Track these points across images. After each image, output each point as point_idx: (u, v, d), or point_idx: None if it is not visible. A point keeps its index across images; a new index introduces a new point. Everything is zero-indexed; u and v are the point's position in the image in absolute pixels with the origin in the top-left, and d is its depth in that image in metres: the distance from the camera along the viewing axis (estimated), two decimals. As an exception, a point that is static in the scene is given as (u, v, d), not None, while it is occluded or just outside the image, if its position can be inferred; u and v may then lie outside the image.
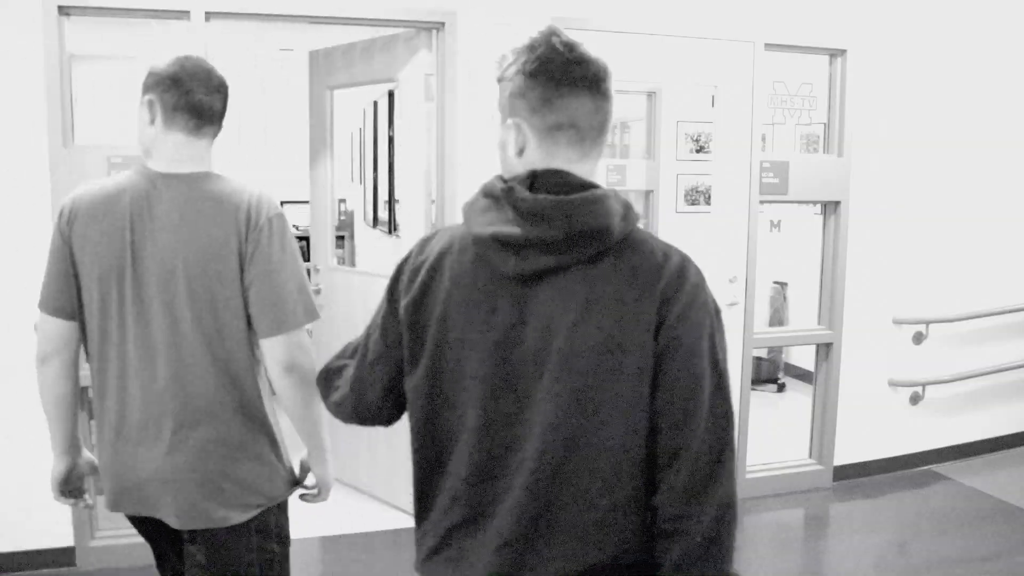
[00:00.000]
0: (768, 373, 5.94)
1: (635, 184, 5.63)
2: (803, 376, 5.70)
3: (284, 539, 1.81)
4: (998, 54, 4.40)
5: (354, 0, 3.38)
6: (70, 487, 1.85)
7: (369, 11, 3.41)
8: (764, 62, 3.91)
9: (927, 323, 4.39)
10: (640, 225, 1.24)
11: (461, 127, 3.51)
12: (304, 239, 5.15)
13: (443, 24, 3.46)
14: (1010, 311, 4.56)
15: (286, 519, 1.83)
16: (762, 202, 4.00)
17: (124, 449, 1.70)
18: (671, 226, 5.47)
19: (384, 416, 1.40)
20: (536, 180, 1.19)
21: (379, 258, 5.26)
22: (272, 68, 7.35)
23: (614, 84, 1.25)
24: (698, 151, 5.82)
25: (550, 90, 1.19)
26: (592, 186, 1.20)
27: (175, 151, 1.68)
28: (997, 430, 4.72)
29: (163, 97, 1.67)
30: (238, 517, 1.70)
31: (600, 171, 1.29)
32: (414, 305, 1.26)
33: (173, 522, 1.70)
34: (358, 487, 3.97)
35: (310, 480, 1.86)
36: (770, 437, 4.32)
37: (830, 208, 4.17)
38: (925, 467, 4.49)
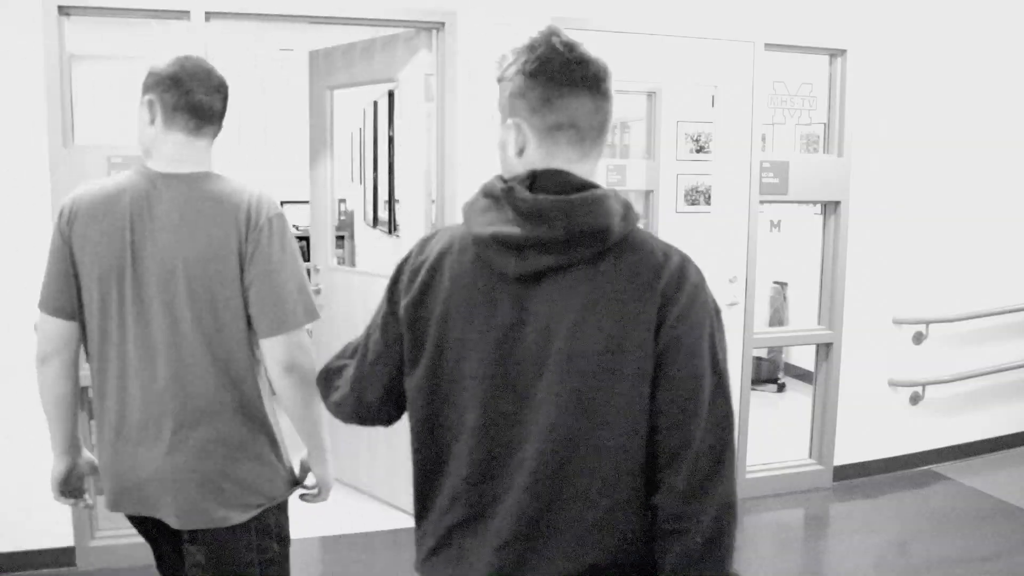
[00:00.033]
0: (768, 373, 5.94)
1: (635, 184, 5.63)
2: (803, 376, 5.70)
3: (284, 539, 1.81)
4: (998, 54, 4.40)
5: (354, 0, 3.38)
6: (70, 487, 1.85)
7: (369, 11, 3.41)
8: (764, 62, 3.91)
9: (927, 323, 4.39)
10: (640, 225, 1.24)
11: (461, 127, 3.51)
12: (304, 239, 5.15)
13: (443, 24, 3.46)
14: (1010, 311, 4.56)
15: (286, 519, 1.83)
16: (762, 202, 4.00)
17: (124, 449, 1.70)
18: (671, 226, 5.47)
19: (384, 416, 1.40)
20: (536, 180, 1.19)
21: (379, 258, 5.26)
22: (272, 68, 7.36)
23: (614, 84, 1.25)
24: (698, 151, 5.82)
25: (550, 90, 1.19)
26: (592, 186, 1.20)
27: (175, 151, 1.68)
28: (997, 430, 4.72)
29: (163, 97, 1.67)
30: (238, 517, 1.70)
31: (600, 171, 1.29)
32: (414, 305, 1.26)
33: (173, 522, 1.70)
34: (358, 487, 3.97)
35: (310, 480, 1.86)
36: (770, 437, 4.32)
37: (830, 208, 4.17)
38: (925, 467, 4.49)
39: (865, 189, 4.15)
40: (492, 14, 3.51)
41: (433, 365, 1.25)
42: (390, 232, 4.81)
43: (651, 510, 1.19)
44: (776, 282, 5.97)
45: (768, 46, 3.91)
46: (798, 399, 5.37)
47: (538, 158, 1.21)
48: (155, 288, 1.64)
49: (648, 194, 5.65)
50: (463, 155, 3.53)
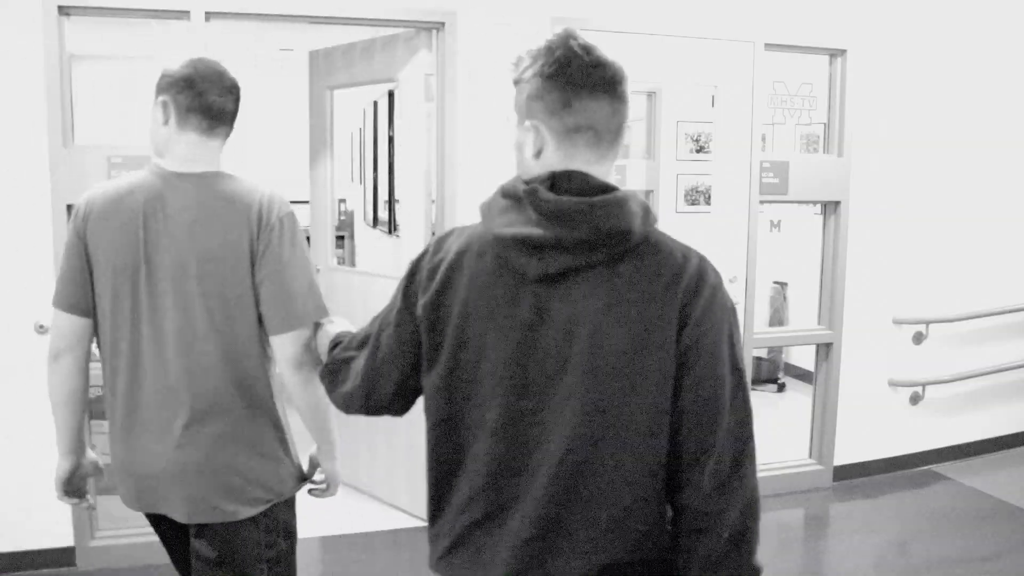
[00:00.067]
0: (768, 373, 5.94)
1: (635, 184, 5.63)
2: (803, 376, 5.70)
3: (291, 535, 1.83)
4: (998, 54, 4.40)
5: (354, 0, 3.38)
6: (74, 487, 1.87)
7: (369, 11, 3.41)
8: (764, 62, 3.91)
9: (927, 323, 4.39)
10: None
11: (461, 127, 3.51)
12: (304, 239, 5.14)
13: (443, 24, 3.46)
14: (1010, 311, 4.56)
15: (293, 515, 1.84)
16: (762, 202, 4.00)
17: (135, 444, 1.72)
18: (671, 226, 5.37)
19: (395, 409, 1.42)
20: (556, 182, 1.20)
21: (379, 258, 5.26)
22: (272, 68, 7.36)
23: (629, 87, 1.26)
24: (698, 151, 5.82)
25: (569, 93, 1.20)
26: (612, 188, 1.21)
27: (188, 151, 1.71)
28: (997, 430, 4.72)
29: (177, 98, 1.69)
30: (246, 512, 1.72)
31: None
32: (432, 305, 1.27)
33: (181, 516, 1.72)
34: (358, 487, 3.97)
35: (319, 475, 1.88)
36: (770, 437, 4.31)
37: (830, 208, 4.17)
38: (925, 467, 4.49)
39: (865, 189, 4.15)
40: (492, 14, 3.51)
41: (452, 364, 1.26)
42: (390, 232, 4.81)
43: (674, 509, 1.22)
44: (776, 282, 5.97)
45: (768, 46, 3.91)
46: (798, 399, 5.37)
47: (556, 160, 1.23)
48: (168, 285, 1.66)
49: (648, 194, 5.64)
50: (463, 155, 3.53)
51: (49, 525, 3.22)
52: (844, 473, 4.30)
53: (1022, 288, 4.63)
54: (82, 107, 3.31)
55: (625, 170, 5.71)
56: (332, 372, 1.47)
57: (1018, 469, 4.53)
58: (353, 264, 6.24)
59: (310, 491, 1.89)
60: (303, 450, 1.88)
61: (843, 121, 4.08)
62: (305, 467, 1.87)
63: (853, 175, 4.12)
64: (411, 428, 3.74)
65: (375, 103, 4.80)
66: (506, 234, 1.20)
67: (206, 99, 1.69)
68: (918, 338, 4.40)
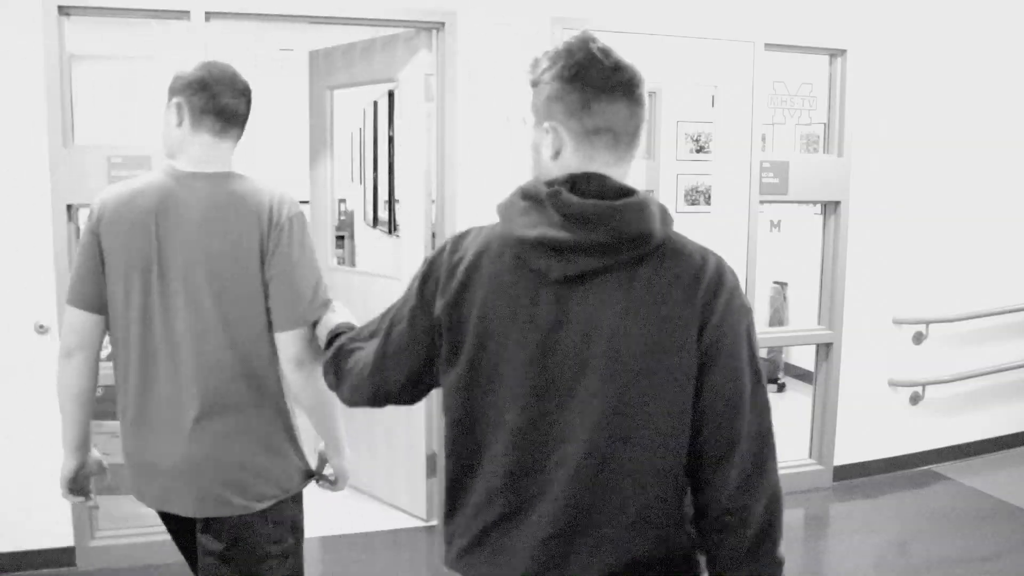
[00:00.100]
0: (768, 373, 5.90)
1: (635, 184, 5.63)
2: (803, 376, 5.70)
3: (299, 531, 1.85)
4: (998, 54, 4.40)
5: (354, 0, 3.38)
6: (78, 485, 1.88)
7: (369, 11, 3.41)
8: (764, 62, 3.91)
9: (927, 323, 4.39)
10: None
11: (461, 127, 3.51)
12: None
13: (443, 24, 3.46)
14: (1010, 311, 4.56)
15: (301, 511, 1.87)
16: (762, 202, 4.00)
17: (146, 438, 1.75)
18: (671, 226, 5.45)
19: (403, 400, 1.43)
20: (575, 184, 1.21)
21: (379, 258, 5.26)
22: (272, 68, 7.36)
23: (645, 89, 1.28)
24: (698, 151, 5.82)
25: (589, 95, 1.22)
26: (631, 190, 1.23)
27: (201, 152, 1.74)
28: (997, 430, 4.72)
29: (191, 100, 1.73)
30: (253, 506, 1.74)
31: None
32: (452, 305, 1.28)
33: (189, 510, 1.74)
34: (358, 487, 3.97)
35: (328, 470, 1.91)
36: (770, 437, 4.32)
37: (830, 208, 4.17)
38: (925, 467, 4.49)
39: (865, 189, 4.15)
40: (492, 14, 3.51)
41: (471, 364, 1.27)
42: (390, 232, 4.81)
43: (698, 507, 1.25)
44: (776, 282, 5.97)
45: (768, 46, 3.91)
46: (798, 399, 5.37)
47: (575, 162, 1.24)
48: (179, 283, 1.69)
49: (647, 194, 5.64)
50: (463, 155, 3.53)
51: (49, 525, 3.22)
52: (844, 473, 4.30)
53: (1022, 288, 4.63)
54: (82, 107, 3.31)
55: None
56: (338, 363, 1.48)
57: (1018, 469, 4.53)
58: (353, 264, 6.24)
59: (319, 483, 1.92)
60: (311, 446, 1.90)
61: (843, 121, 4.08)
62: (314, 464, 1.89)
63: (853, 175, 4.12)
64: (411, 428, 3.74)
65: (375, 103, 4.80)
66: (528, 236, 1.21)
67: (220, 101, 1.73)
68: (918, 338, 4.40)
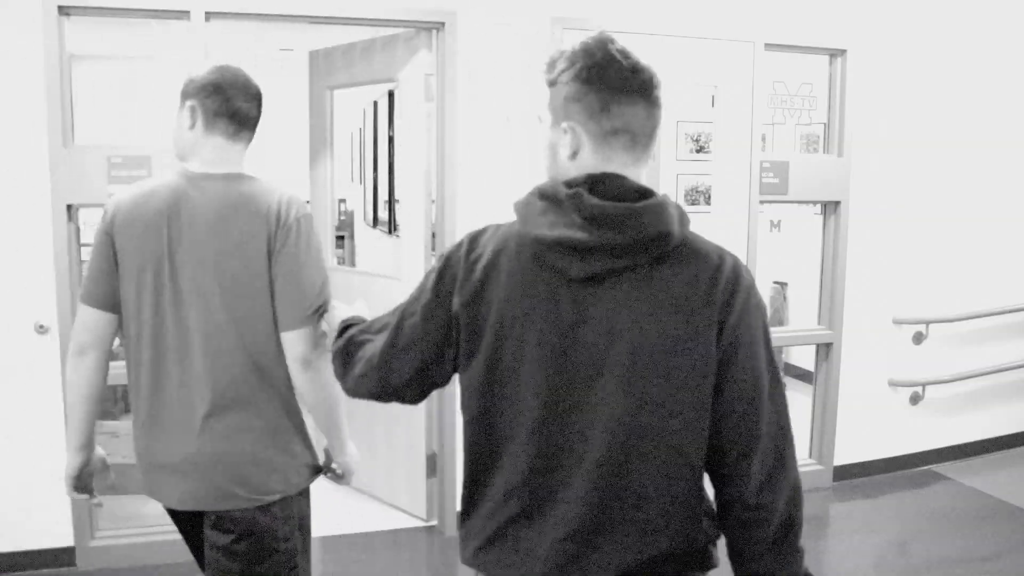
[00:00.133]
0: (768, 373, 5.92)
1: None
2: (803, 376, 5.70)
3: (306, 530, 1.88)
4: (998, 54, 4.40)
5: (354, 0, 3.38)
6: (83, 483, 1.90)
7: (369, 11, 3.41)
8: (764, 62, 3.91)
9: (927, 323, 4.39)
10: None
11: (461, 127, 3.51)
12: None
13: (443, 24, 3.46)
14: (1010, 311, 4.56)
15: (309, 509, 1.89)
16: (762, 202, 4.00)
17: (158, 435, 1.77)
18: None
19: (409, 397, 1.43)
20: (594, 184, 1.22)
21: (379, 258, 5.26)
22: (272, 68, 7.36)
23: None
24: (698, 151, 5.82)
25: (608, 97, 1.23)
26: (648, 191, 1.24)
27: (214, 154, 1.78)
28: (997, 430, 4.72)
29: (205, 103, 1.76)
30: (262, 500, 1.76)
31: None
32: (470, 303, 1.28)
33: (197, 504, 1.77)
34: (358, 487, 3.97)
35: (335, 466, 1.94)
36: (770, 437, 4.32)
37: (830, 208, 4.17)
38: (925, 467, 4.49)
39: (865, 189, 4.15)
40: (492, 14, 3.51)
41: (490, 362, 1.28)
42: (390, 232, 4.81)
43: (722, 503, 1.28)
44: (776, 282, 5.97)
45: (768, 46, 3.91)
46: (798, 399, 5.36)
47: (594, 162, 1.25)
48: (189, 281, 1.72)
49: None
50: (463, 155, 3.53)
51: (49, 525, 3.22)
52: (844, 473, 4.30)
53: (1022, 288, 4.63)
54: (82, 107, 3.32)
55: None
56: (347, 354, 1.48)
57: (1018, 469, 4.53)
58: (353, 264, 6.24)
59: (326, 475, 1.95)
60: (318, 442, 1.92)
61: (843, 121, 4.08)
62: (321, 459, 1.92)
63: (853, 175, 4.12)
64: (411, 428, 3.74)
65: (375, 103, 4.80)
66: (548, 236, 1.22)
67: (233, 104, 1.76)
68: (918, 338, 4.40)
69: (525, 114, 3.58)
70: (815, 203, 4.93)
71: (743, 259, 3.89)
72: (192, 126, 1.77)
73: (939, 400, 4.50)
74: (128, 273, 1.75)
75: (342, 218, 6.55)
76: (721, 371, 1.22)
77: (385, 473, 3.89)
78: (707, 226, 4.42)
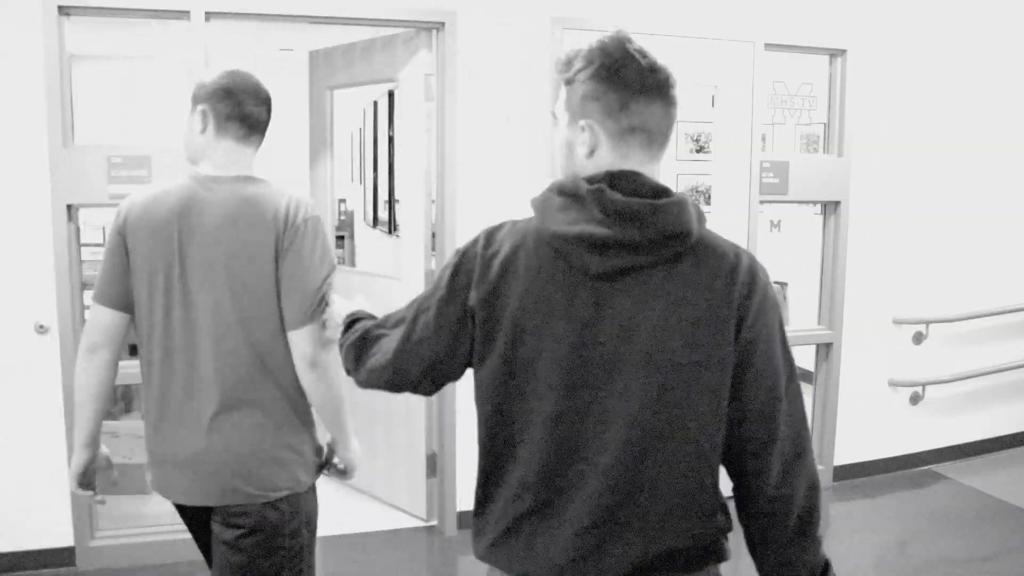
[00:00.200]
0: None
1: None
2: (803, 376, 5.67)
3: (312, 528, 1.90)
4: (998, 54, 4.40)
5: (354, 0, 3.38)
6: (88, 480, 1.93)
7: (369, 11, 3.41)
8: (764, 62, 3.91)
9: (927, 323, 4.39)
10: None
11: (461, 127, 3.51)
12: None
13: (443, 24, 3.46)
14: (1010, 311, 4.56)
15: (315, 507, 1.92)
16: (762, 202, 4.00)
17: (167, 432, 1.80)
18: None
19: (423, 389, 1.44)
20: (613, 181, 1.23)
21: (379, 258, 5.26)
22: (272, 68, 7.36)
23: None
24: (698, 151, 5.82)
25: (626, 95, 1.24)
26: (667, 189, 1.26)
27: (224, 157, 1.81)
28: (997, 430, 4.72)
29: (216, 107, 1.80)
30: (268, 496, 1.78)
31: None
32: (487, 298, 1.29)
33: (204, 499, 1.79)
34: (358, 487, 3.97)
35: (336, 459, 1.97)
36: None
37: (830, 208, 4.17)
38: (925, 467, 4.49)
39: (865, 189, 4.15)
40: (492, 14, 3.51)
41: (507, 357, 1.28)
42: (390, 232, 4.81)
43: (742, 496, 1.31)
44: (776, 282, 5.96)
45: (768, 46, 3.91)
46: (798, 399, 5.37)
47: (611, 160, 1.27)
48: (199, 281, 1.75)
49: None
50: (463, 155, 3.53)
51: (49, 525, 3.22)
52: (844, 473, 4.30)
53: (1022, 288, 4.63)
54: (82, 107, 3.31)
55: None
56: (361, 347, 1.49)
57: (1018, 469, 4.53)
58: (353, 264, 6.23)
59: (328, 472, 1.97)
60: (320, 439, 1.95)
61: (843, 121, 4.08)
62: (324, 454, 1.95)
63: (853, 175, 4.12)
64: (411, 428, 3.74)
65: (375, 103, 4.80)
66: (568, 232, 1.22)
67: (244, 108, 1.80)
68: (918, 338, 4.41)
69: (525, 114, 3.58)
70: (815, 203, 4.93)
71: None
72: (203, 130, 1.80)
73: (939, 400, 4.50)
74: (140, 273, 1.78)
75: (342, 218, 6.54)
76: (739, 368, 1.24)
77: (385, 473, 3.89)
78: (707, 226, 4.43)
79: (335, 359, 1.77)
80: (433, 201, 3.67)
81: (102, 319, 1.81)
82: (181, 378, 1.78)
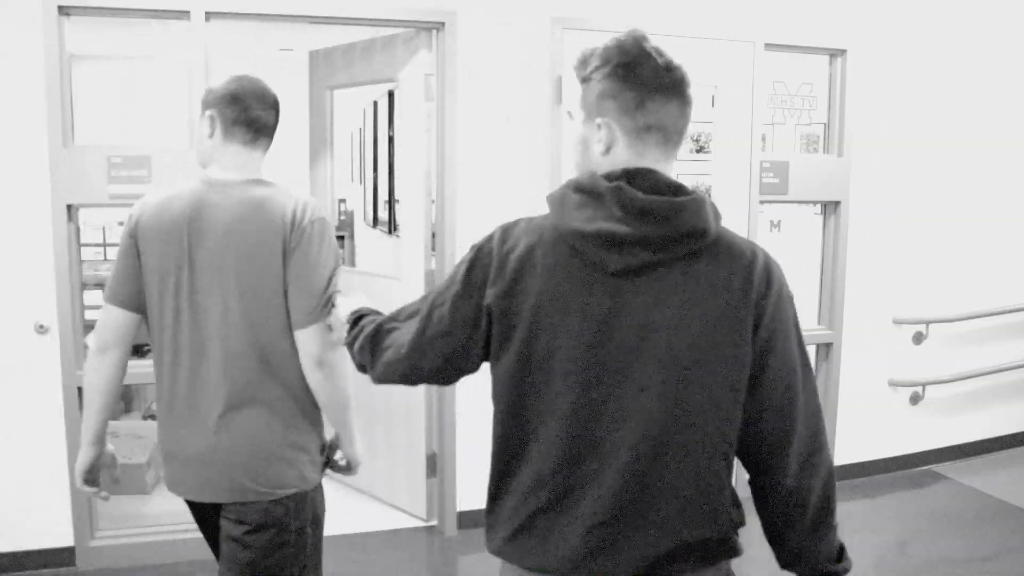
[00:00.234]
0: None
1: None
2: (803, 376, 5.70)
3: (319, 526, 1.92)
4: (998, 54, 4.40)
5: (354, 0, 3.38)
6: (92, 476, 1.95)
7: (369, 11, 3.41)
8: (764, 62, 3.91)
9: (927, 323, 4.39)
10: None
11: (461, 127, 3.51)
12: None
13: (443, 24, 3.46)
14: (1010, 311, 4.56)
15: (322, 505, 1.94)
16: (762, 202, 4.00)
17: (177, 430, 1.84)
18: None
19: (439, 381, 1.46)
20: (631, 179, 1.24)
21: (379, 258, 5.26)
22: (272, 68, 7.36)
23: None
24: (698, 151, 5.82)
25: (643, 94, 1.26)
26: (683, 187, 1.26)
27: (232, 161, 1.85)
28: (997, 430, 4.72)
29: (224, 112, 1.83)
30: (275, 494, 1.81)
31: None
32: (504, 295, 1.29)
33: (213, 496, 1.82)
34: (358, 487, 3.97)
35: (338, 455, 2.00)
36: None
37: (830, 208, 4.17)
38: (925, 467, 4.49)
39: (865, 189, 4.15)
40: (492, 14, 3.51)
41: (524, 353, 1.29)
42: (390, 232, 4.81)
43: (761, 490, 1.33)
44: (776, 282, 5.96)
45: (768, 46, 3.91)
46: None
47: (627, 157, 1.28)
48: (207, 283, 1.78)
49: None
50: (463, 155, 3.53)
51: (49, 525, 3.22)
52: (844, 473, 4.29)
53: (1022, 288, 4.63)
54: (82, 107, 3.31)
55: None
56: (374, 341, 1.49)
57: (1018, 469, 4.53)
58: (353, 264, 6.23)
59: (332, 469, 2.00)
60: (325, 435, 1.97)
61: (843, 121, 4.08)
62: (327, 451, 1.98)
63: (853, 175, 4.12)
64: (411, 428, 3.74)
65: (375, 103, 4.79)
66: (587, 229, 1.23)
67: (250, 113, 1.84)
68: (918, 338, 4.40)
69: (525, 114, 3.58)
70: (815, 203, 4.92)
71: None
72: (211, 135, 1.84)
73: (939, 400, 4.50)
74: (151, 276, 1.82)
75: (342, 218, 6.53)
76: (757, 364, 1.26)
77: (385, 473, 3.89)
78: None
79: (341, 358, 1.80)
80: (433, 201, 3.67)
81: (114, 319, 1.85)
82: (189, 378, 1.81)
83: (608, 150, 1.28)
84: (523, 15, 3.52)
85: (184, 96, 3.21)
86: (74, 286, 3.17)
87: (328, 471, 1.98)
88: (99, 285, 4.04)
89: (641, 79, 1.25)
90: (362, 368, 1.55)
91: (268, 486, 1.80)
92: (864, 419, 4.30)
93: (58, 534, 3.24)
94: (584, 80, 1.30)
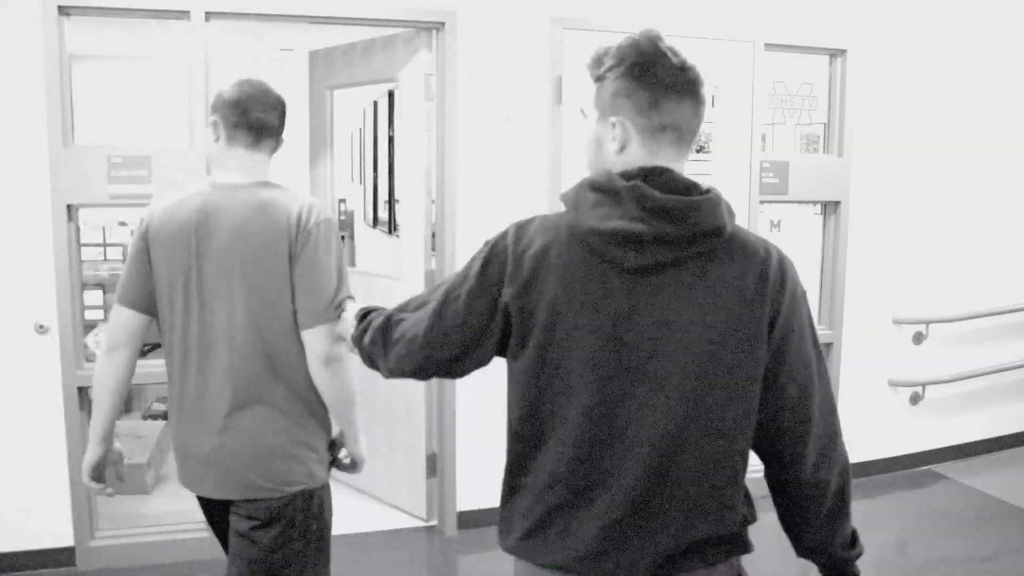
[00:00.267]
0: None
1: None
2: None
3: (327, 520, 1.94)
4: (998, 54, 4.40)
5: (354, 0, 3.38)
6: (99, 473, 1.98)
7: (369, 11, 3.41)
8: (764, 62, 3.91)
9: (927, 323, 4.39)
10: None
11: (461, 127, 3.51)
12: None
13: (443, 24, 3.46)
14: (1010, 311, 4.56)
15: (329, 503, 1.96)
16: (762, 202, 4.00)
17: (187, 428, 1.89)
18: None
19: (454, 374, 1.45)
20: (647, 178, 1.24)
21: (379, 258, 5.26)
22: (272, 68, 7.36)
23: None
24: (698, 151, 5.82)
25: (658, 93, 1.27)
26: (697, 186, 1.27)
27: (236, 164, 1.88)
28: (997, 430, 4.72)
29: (226, 117, 1.87)
30: (283, 491, 1.84)
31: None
32: (521, 294, 1.29)
33: (221, 492, 1.86)
34: (358, 487, 3.97)
35: (344, 455, 2.01)
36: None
37: (830, 208, 4.17)
38: (925, 467, 4.49)
39: (865, 189, 4.15)
40: (492, 14, 3.51)
41: (540, 351, 1.29)
42: (390, 232, 4.81)
43: (779, 483, 1.36)
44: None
45: (768, 46, 3.91)
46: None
47: (641, 156, 1.28)
48: (215, 284, 1.82)
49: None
50: (463, 155, 3.53)
51: (49, 525, 3.22)
52: (844, 473, 4.29)
53: (1022, 288, 4.63)
54: (82, 107, 3.31)
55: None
56: (385, 333, 1.48)
57: (1018, 469, 4.53)
58: (353, 264, 6.23)
59: (336, 467, 2.01)
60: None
61: (843, 121, 4.08)
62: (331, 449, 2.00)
63: (853, 175, 4.12)
64: (411, 428, 3.74)
65: (375, 103, 4.80)
66: (604, 228, 1.23)
67: (250, 116, 1.86)
68: (918, 338, 4.40)
69: (525, 114, 3.58)
70: (815, 203, 4.92)
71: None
72: (216, 139, 1.88)
73: (939, 400, 4.50)
74: (161, 278, 1.86)
75: (342, 218, 6.53)
76: (774, 361, 1.27)
77: (385, 473, 3.89)
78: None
79: (347, 356, 1.82)
80: (433, 201, 3.67)
81: (124, 320, 1.88)
82: (197, 378, 1.85)
83: (622, 149, 1.28)
84: (523, 15, 3.52)
85: (184, 96, 3.21)
86: (74, 286, 3.17)
87: (332, 469, 1.99)
88: (99, 285, 4.04)
89: (656, 79, 1.26)
90: (371, 363, 1.54)
91: (276, 483, 1.83)
92: (864, 419, 4.29)
93: (58, 534, 3.24)
94: (598, 79, 1.30)
